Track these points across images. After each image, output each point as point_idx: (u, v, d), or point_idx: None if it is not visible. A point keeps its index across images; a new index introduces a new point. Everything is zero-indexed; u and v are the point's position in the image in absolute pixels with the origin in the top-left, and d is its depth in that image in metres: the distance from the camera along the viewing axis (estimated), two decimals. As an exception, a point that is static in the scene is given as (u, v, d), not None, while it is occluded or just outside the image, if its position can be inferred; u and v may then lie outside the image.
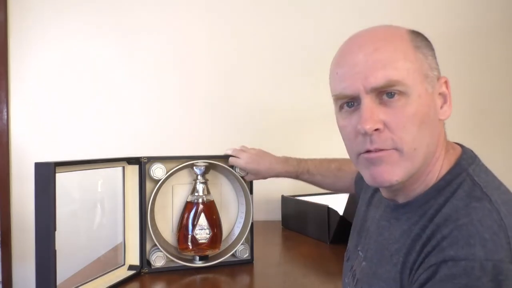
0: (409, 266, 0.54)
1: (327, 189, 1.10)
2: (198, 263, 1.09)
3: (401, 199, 0.61)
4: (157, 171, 1.05)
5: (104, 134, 1.64)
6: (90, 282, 0.96)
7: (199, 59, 1.70)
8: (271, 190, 1.62)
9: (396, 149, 0.54)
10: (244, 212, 1.16)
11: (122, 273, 1.03)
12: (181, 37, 1.69)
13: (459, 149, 0.60)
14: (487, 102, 1.86)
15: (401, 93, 0.53)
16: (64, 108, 1.63)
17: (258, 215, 1.52)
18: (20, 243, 1.60)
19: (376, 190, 0.73)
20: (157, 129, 1.67)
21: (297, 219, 1.49)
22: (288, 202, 1.56)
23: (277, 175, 1.08)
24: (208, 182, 1.11)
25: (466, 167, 0.56)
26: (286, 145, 1.62)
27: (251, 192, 1.13)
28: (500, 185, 0.55)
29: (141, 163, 1.04)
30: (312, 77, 1.67)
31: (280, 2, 1.73)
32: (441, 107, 0.57)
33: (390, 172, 0.54)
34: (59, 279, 0.84)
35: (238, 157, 1.08)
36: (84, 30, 1.64)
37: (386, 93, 0.54)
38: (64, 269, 0.90)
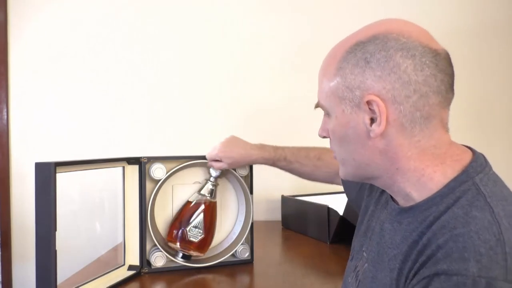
0: (405, 273, 0.53)
1: (306, 178, 1.06)
2: (199, 264, 1.09)
3: (401, 202, 0.61)
4: (157, 171, 1.05)
5: (104, 134, 1.64)
6: (90, 282, 0.96)
7: (199, 59, 1.69)
8: (271, 190, 1.62)
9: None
10: (244, 212, 1.16)
11: (122, 273, 1.03)
12: (181, 37, 1.69)
13: (469, 156, 0.57)
14: (487, 102, 1.86)
15: (326, 112, 0.62)
16: (64, 108, 1.63)
17: (258, 215, 1.52)
18: (20, 243, 1.60)
19: (384, 190, 0.73)
20: (157, 129, 1.67)
21: (297, 219, 1.49)
22: (288, 202, 1.56)
23: (253, 162, 1.05)
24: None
25: (473, 175, 0.53)
26: (287, 144, 1.63)
27: (251, 192, 1.13)
28: (508, 195, 0.53)
29: (141, 163, 1.04)
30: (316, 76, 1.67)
31: (282, 2, 1.73)
32: (371, 125, 0.55)
33: (340, 170, 0.65)
34: (59, 279, 0.85)
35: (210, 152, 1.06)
36: (85, 30, 1.64)
37: None
38: (64, 269, 0.90)
